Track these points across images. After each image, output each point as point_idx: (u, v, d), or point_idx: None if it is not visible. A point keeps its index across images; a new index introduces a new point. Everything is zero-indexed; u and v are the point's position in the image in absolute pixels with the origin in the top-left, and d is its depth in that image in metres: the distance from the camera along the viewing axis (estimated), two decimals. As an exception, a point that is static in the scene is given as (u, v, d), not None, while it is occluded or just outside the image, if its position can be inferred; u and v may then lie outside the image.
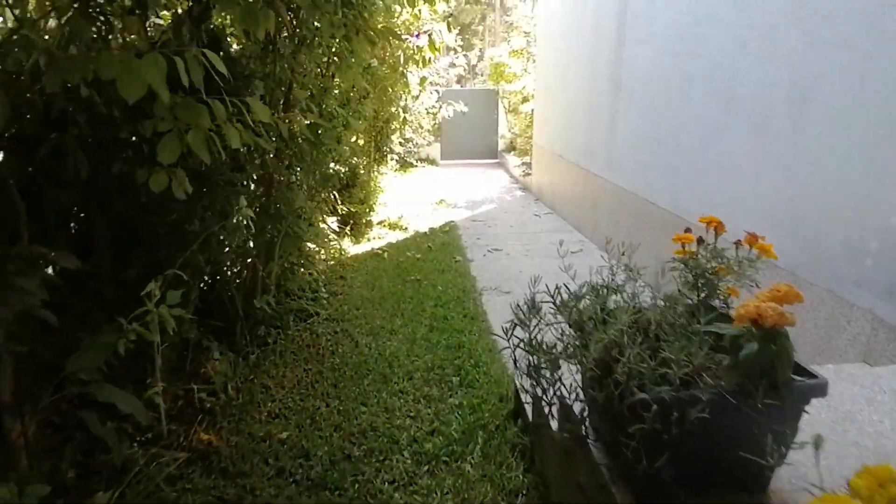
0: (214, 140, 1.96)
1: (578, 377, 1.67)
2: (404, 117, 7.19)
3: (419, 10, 6.22)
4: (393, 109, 7.35)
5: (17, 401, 1.92)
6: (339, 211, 5.66)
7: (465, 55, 7.67)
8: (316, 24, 3.08)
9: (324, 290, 4.42)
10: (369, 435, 2.66)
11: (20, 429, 1.94)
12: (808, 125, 2.72)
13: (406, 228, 6.58)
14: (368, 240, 6.07)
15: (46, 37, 2.11)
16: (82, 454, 2.28)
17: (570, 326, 1.71)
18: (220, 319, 3.54)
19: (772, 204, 2.97)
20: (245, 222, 2.91)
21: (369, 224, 6.58)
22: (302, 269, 4.09)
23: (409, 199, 8.23)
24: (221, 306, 3.56)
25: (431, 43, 6.37)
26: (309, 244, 3.92)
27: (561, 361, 1.69)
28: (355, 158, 5.77)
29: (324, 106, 3.46)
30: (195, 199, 2.49)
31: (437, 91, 9.53)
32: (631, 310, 1.65)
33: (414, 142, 10.93)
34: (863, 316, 2.46)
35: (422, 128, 8.57)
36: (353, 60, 3.52)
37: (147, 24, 2.45)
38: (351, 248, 5.75)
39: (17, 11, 1.91)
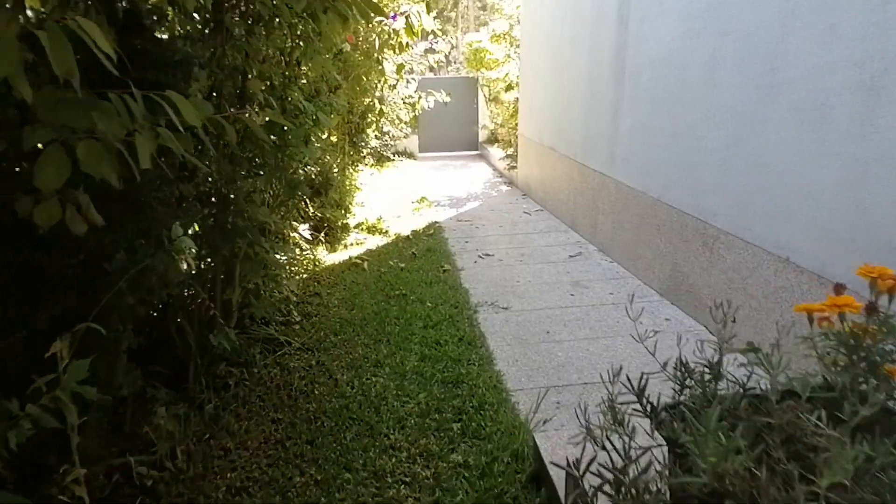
0: (126, 152, 1.38)
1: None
2: (381, 109, 6.58)
3: (395, -10, 5.61)
4: (368, 101, 6.73)
5: None
6: (312, 217, 5.06)
7: (447, 40, 7.05)
8: (274, -3, 2.48)
9: (296, 312, 3.83)
10: (355, 518, 2.12)
11: None
12: (880, 116, 2.24)
13: (386, 232, 6.01)
14: (345, 247, 5.48)
15: None
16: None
17: (658, 432, 1.18)
18: (168, 360, 2.96)
19: (831, 212, 2.49)
20: (189, 249, 2.32)
21: (346, 228, 5.98)
22: (269, 291, 3.49)
23: (388, 198, 7.64)
24: (170, 343, 2.98)
25: (409, 26, 5.78)
26: (277, 259, 3.33)
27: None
28: (328, 157, 5.16)
29: (288, 99, 2.86)
30: (116, 227, 1.90)
31: (415, 79, 8.92)
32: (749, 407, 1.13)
33: (391, 135, 10.30)
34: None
35: (400, 120, 7.95)
36: (320, 44, 2.93)
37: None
38: (326, 257, 5.15)
39: None
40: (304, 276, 4.65)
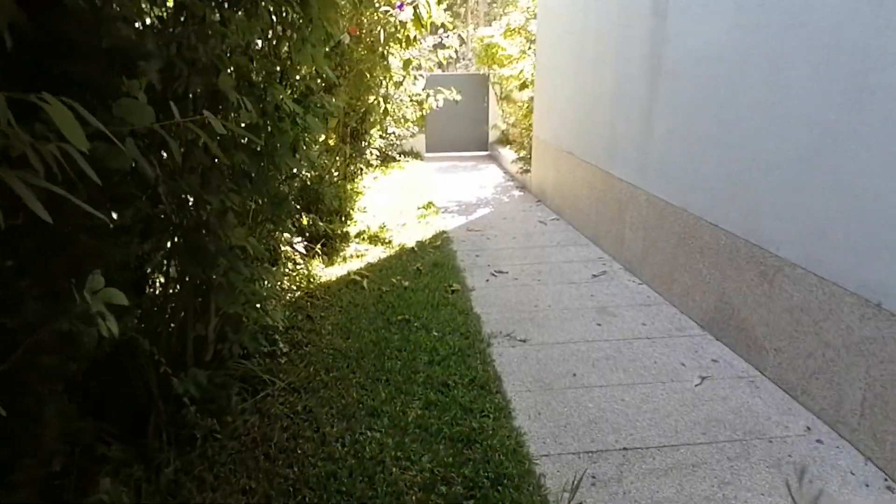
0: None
1: None
2: (385, 108, 6.07)
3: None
4: (372, 99, 6.22)
5: None
6: (307, 228, 4.57)
7: (458, 34, 6.53)
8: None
9: (283, 342, 3.34)
10: None
11: None
12: None
13: (389, 242, 5.51)
14: (344, 259, 4.98)
15: None
16: None
17: None
18: (126, 407, 2.49)
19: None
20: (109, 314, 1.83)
21: (345, 238, 5.49)
22: (252, 320, 3.00)
23: (393, 203, 7.14)
24: (128, 385, 2.50)
25: (417, 17, 5.27)
26: (259, 288, 2.83)
27: None
28: (325, 161, 4.67)
29: (267, 100, 2.36)
30: (28, 268, 1.41)
31: (423, 76, 8.41)
32: None
33: (396, 134, 9.80)
34: None
35: (406, 120, 7.44)
36: (310, 34, 2.43)
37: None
38: (323, 271, 4.66)
39: None
40: (297, 293, 4.16)
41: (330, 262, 4.89)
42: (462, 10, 21.20)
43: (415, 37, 5.64)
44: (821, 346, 2.56)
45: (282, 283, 4.12)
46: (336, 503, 2.15)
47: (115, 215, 1.96)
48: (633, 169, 4.49)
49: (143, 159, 1.66)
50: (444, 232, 5.88)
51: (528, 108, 8.36)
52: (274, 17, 2.49)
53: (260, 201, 2.70)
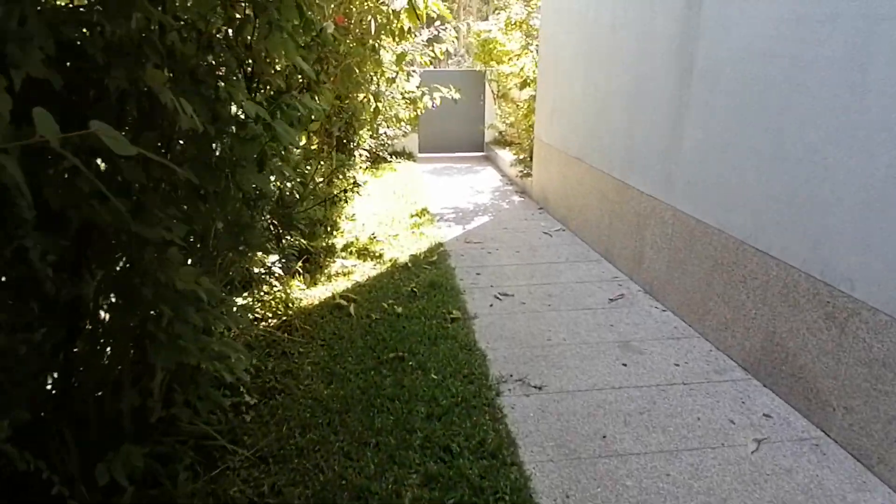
0: None
1: None
2: (376, 107, 5.51)
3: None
4: (361, 97, 5.66)
5: None
6: (286, 247, 4.01)
7: (455, 25, 5.98)
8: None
9: (251, 390, 2.79)
10: None
11: None
12: None
13: (380, 257, 4.96)
14: (329, 278, 4.43)
15: None
16: None
17: None
18: (42, 495, 1.95)
19: None
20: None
21: (331, 252, 4.93)
22: (211, 373, 2.45)
23: (384, 209, 6.58)
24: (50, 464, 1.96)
25: (412, 7, 4.72)
26: (212, 342, 2.28)
27: None
28: (308, 167, 4.11)
29: (222, 99, 1.80)
30: None
31: (416, 72, 7.86)
32: None
33: (387, 134, 9.23)
34: None
35: (398, 120, 6.87)
36: (278, 17, 1.88)
37: None
38: (304, 293, 4.10)
39: None
40: (272, 321, 3.61)
41: (312, 281, 4.34)
42: (455, 6, 20.61)
43: (409, 29, 5.08)
44: (919, 415, 2.06)
45: (253, 313, 3.56)
46: None
47: None
48: (655, 180, 3.97)
49: (22, 178, 1.10)
50: (440, 244, 5.33)
51: (528, 107, 7.83)
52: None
53: (219, 228, 2.14)
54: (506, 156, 9.04)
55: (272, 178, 2.44)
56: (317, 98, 3.72)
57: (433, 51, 5.82)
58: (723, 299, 3.24)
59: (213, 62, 1.84)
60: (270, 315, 3.69)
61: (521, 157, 8.28)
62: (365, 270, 4.64)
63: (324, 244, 5.07)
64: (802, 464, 2.35)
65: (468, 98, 10.40)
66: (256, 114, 1.76)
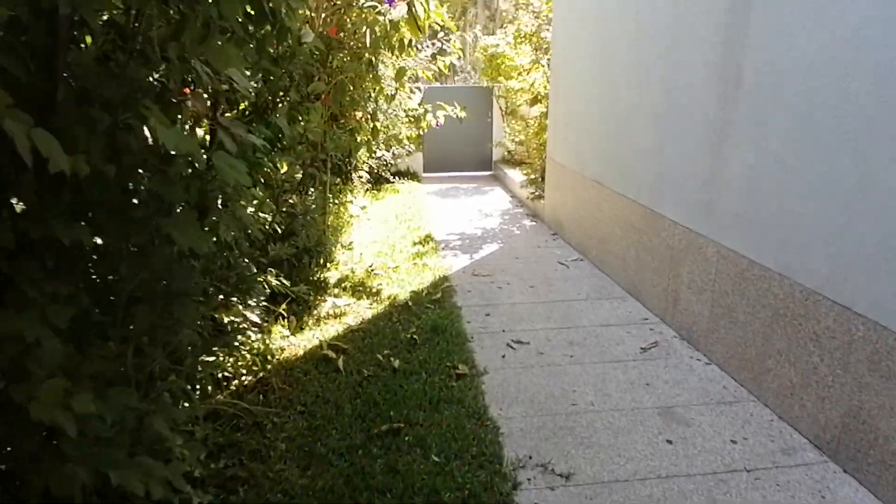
0: None
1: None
2: (374, 126, 5.01)
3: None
4: (359, 115, 5.18)
5: None
6: (266, 288, 3.48)
7: (461, 35, 5.51)
8: None
9: (204, 483, 2.24)
10: None
11: None
12: None
13: (377, 294, 4.42)
14: (318, 322, 3.89)
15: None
16: None
17: None
18: None
19: None
20: None
21: (323, 288, 4.41)
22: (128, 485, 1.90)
23: (383, 237, 6.07)
24: None
25: (413, 17, 4.24)
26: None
27: None
28: (292, 198, 3.60)
29: (133, 128, 1.29)
30: None
31: (420, 89, 7.39)
32: None
33: (392, 153, 8.76)
34: None
35: (398, 140, 6.38)
36: (218, 16, 1.37)
37: None
38: (288, 341, 3.57)
39: None
40: (246, 380, 3.08)
41: (299, 325, 3.80)
42: (461, 23, 20.34)
43: (410, 41, 4.60)
44: None
45: (224, 370, 3.03)
46: None
47: None
48: (692, 210, 3.43)
49: None
50: (444, 278, 4.79)
51: (539, 125, 7.33)
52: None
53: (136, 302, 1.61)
54: (515, 176, 8.53)
55: (231, 225, 1.92)
56: (301, 119, 3.23)
57: (437, 65, 5.34)
58: (787, 359, 2.67)
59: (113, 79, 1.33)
60: (245, 372, 3.15)
61: (532, 177, 7.76)
62: (360, 311, 4.11)
63: (315, 278, 4.55)
64: None
65: (475, 115, 9.93)
66: (176, 146, 1.24)
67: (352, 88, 4.40)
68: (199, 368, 2.76)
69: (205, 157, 1.57)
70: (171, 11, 1.55)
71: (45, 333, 1.15)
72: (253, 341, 3.38)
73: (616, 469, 2.37)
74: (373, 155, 5.81)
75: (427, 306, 4.16)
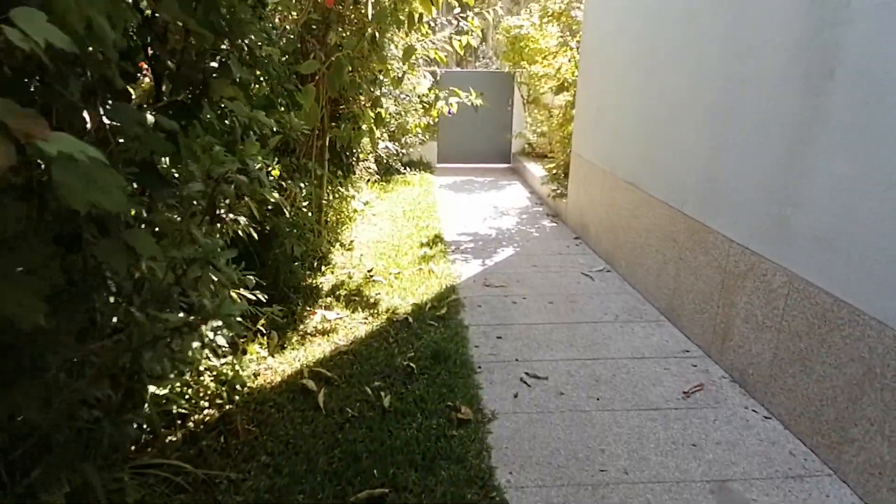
0: None
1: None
2: (378, 114, 4.43)
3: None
4: (363, 100, 4.60)
5: None
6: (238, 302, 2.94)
7: (480, 12, 4.86)
8: None
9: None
10: None
11: None
12: None
13: (375, 305, 3.87)
14: (304, 338, 3.36)
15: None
16: None
17: None
18: None
19: None
20: None
21: (315, 296, 3.88)
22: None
23: (389, 235, 5.51)
24: None
25: (424, -13, 3.66)
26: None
27: None
28: (275, 195, 3.03)
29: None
30: None
31: (431, 74, 6.78)
32: None
33: (403, 142, 8.17)
34: None
35: (405, 131, 5.79)
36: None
37: None
38: (265, 364, 3.05)
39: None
40: (207, 416, 2.56)
41: (280, 343, 3.28)
42: (483, 4, 19.48)
43: (421, 16, 4.00)
44: None
45: (179, 405, 2.51)
46: None
47: None
48: (756, 228, 2.81)
49: None
50: (452, 288, 4.23)
51: (564, 115, 6.68)
52: None
53: None
54: (536, 170, 7.90)
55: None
56: (282, 104, 2.68)
57: (452, 45, 4.73)
58: (880, 430, 2.07)
59: None
60: (207, 406, 2.63)
61: (554, 172, 7.13)
62: (352, 327, 3.57)
63: (307, 284, 4.02)
64: None
65: (494, 103, 9.29)
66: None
67: (350, 69, 3.82)
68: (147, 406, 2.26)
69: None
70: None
71: None
72: (223, 364, 2.86)
73: (661, 579, 1.80)
74: (375, 149, 5.23)
75: (430, 324, 3.61)
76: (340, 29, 3.84)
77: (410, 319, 3.66)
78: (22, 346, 1.16)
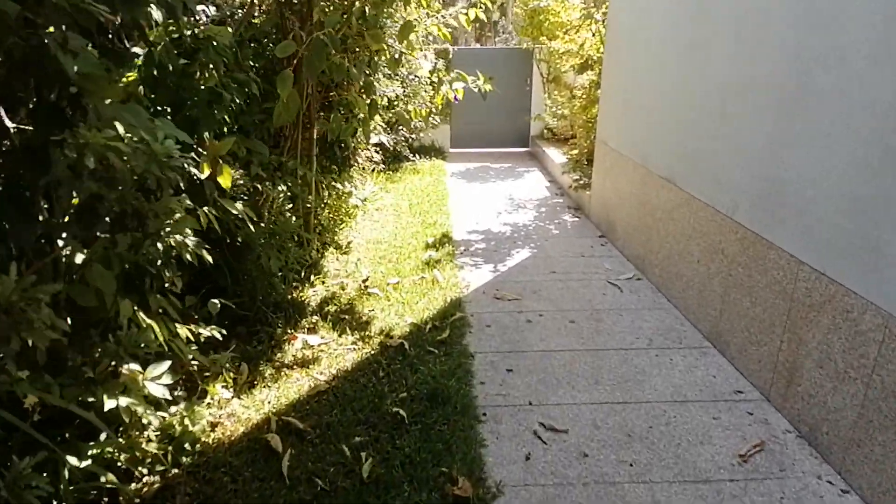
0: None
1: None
2: (372, 101, 3.84)
3: None
4: (357, 86, 4.02)
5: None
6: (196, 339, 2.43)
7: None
8: None
9: None
10: None
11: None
12: None
13: (366, 326, 3.35)
14: (278, 371, 2.86)
15: None
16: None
17: None
18: None
19: None
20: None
21: (299, 312, 3.38)
22: None
23: (391, 233, 4.97)
24: None
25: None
26: None
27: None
28: (236, 205, 2.50)
29: None
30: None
31: (443, 53, 6.13)
32: None
33: (412, 127, 7.58)
34: None
35: (407, 117, 5.18)
36: None
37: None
38: (231, 407, 2.56)
39: None
40: (147, 483, 2.08)
41: (251, 379, 2.78)
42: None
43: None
44: None
45: (104, 472, 2.03)
46: None
47: None
48: (838, 250, 2.19)
49: None
50: (457, 303, 3.68)
51: (588, 96, 6.00)
52: None
53: None
54: (556, 156, 7.25)
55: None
56: (233, 94, 2.15)
57: (458, 20, 4.09)
58: None
59: None
60: (146, 471, 2.15)
61: (577, 159, 6.48)
62: (338, 354, 3.05)
63: (290, 298, 3.52)
64: None
65: (512, 82, 8.62)
66: None
67: (335, 51, 3.23)
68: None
69: None
70: None
71: None
72: (172, 415, 2.38)
73: None
74: (368, 142, 4.65)
75: (429, 350, 3.08)
76: (324, 3, 3.26)
77: (406, 345, 3.13)
78: None
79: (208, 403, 2.56)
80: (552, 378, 2.84)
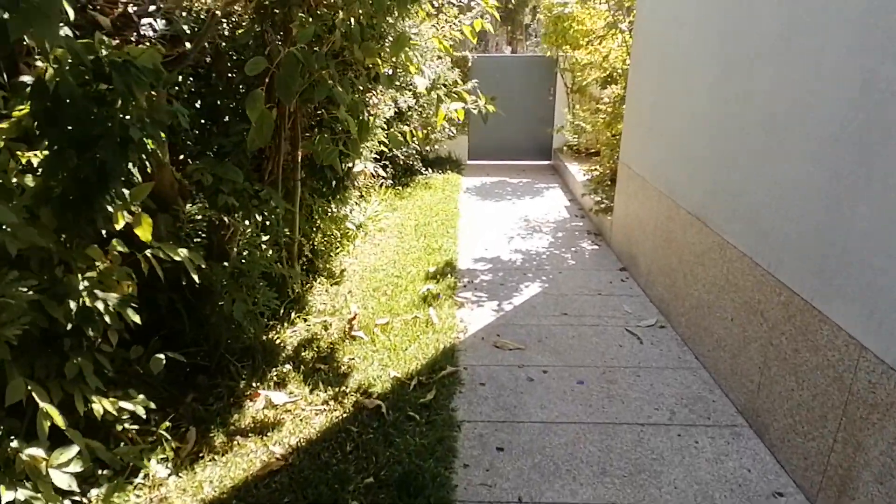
0: None
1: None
2: (362, 122, 3.43)
3: None
4: (348, 102, 3.61)
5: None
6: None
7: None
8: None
9: None
10: None
11: None
12: None
13: (343, 379, 2.94)
14: (231, 440, 2.48)
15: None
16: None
17: None
18: None
19: None
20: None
21: (271, 359, 2.99)
22: None
23: (391, 259, 4.56)
24: None
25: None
26: None
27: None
28: (180, 251, 2.12)
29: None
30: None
31: (461, 62, 5.70)
32: None
33: (427, 134, 7.17)
34: None
35: (399, 145, 4.74)
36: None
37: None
38: (165, 490, 2.18)
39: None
40: None
41: (196, 450, 2.40)
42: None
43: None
44: None
45: None
46: None
47: None
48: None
49: None
50: (451, 351, 3.24)
51: (614, 112, 5.49)
52: None
53: None
54: (579, 172, 6.74)
55: None
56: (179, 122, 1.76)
57: (461, 29, 3.65)
58: None
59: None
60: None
61: (599, 177, 5.97)
62: (304, 418, 2.65)
63: (264, 340, 3.14)
64: None
65: (533, 92, 8.16)
66: None
67: (318, 67, 2.82)
68: None
69: None
70: None
71: None
72: (99, 496, 2.01)
73: None
74: (365, 165, 4.23)
75: (410, 416, 2.65)
76: (302, 15, 2.86)
77: (384, 408, 2.71)
78: None
79: (138, 485, 2.18)
80: (550, 463, 2.38)
